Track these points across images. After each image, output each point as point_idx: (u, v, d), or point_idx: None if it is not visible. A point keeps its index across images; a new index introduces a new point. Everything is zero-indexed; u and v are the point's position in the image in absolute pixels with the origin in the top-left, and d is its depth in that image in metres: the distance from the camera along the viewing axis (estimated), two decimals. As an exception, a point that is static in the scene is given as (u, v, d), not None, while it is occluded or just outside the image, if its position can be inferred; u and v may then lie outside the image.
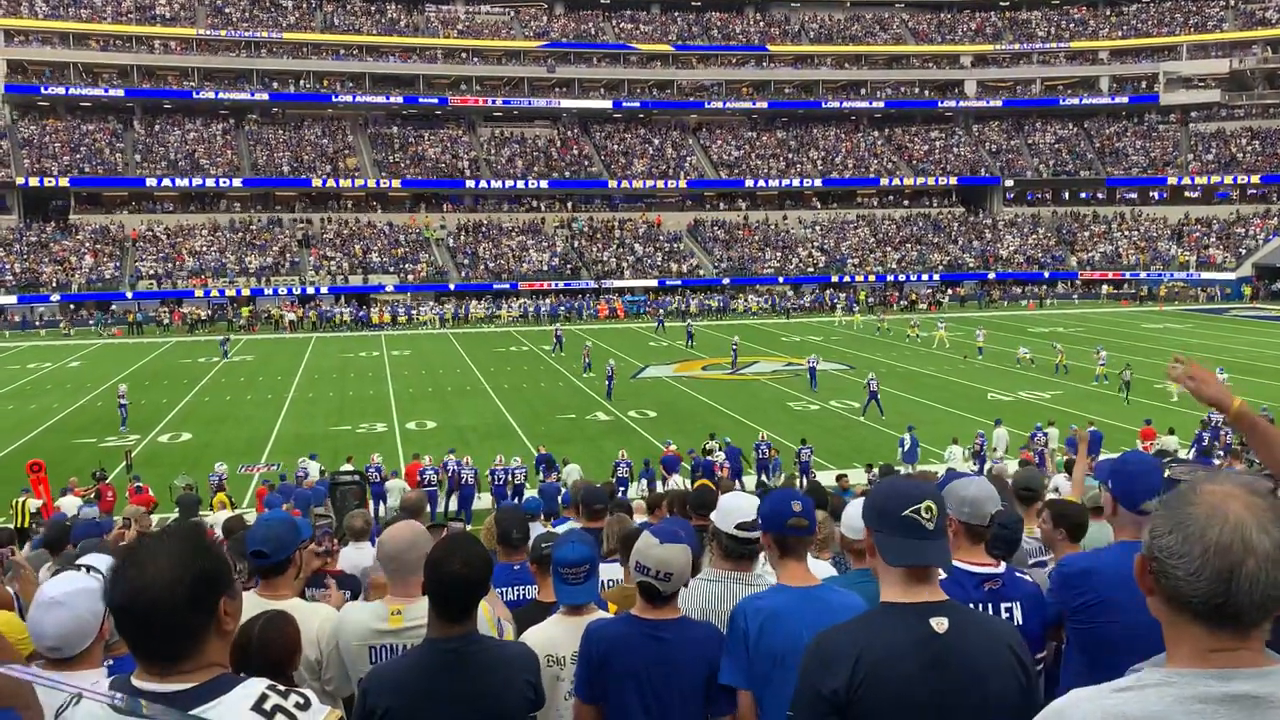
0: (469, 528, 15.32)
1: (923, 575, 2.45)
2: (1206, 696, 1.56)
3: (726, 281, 64.04)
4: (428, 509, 11.09)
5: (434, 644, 3.05)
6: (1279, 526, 1.59)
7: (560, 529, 7.17)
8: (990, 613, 3.39)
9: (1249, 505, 1.60)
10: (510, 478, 21.31)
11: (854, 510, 3.69)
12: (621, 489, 22.10)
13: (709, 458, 22.35)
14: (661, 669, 3.28)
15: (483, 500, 21.22)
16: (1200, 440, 22.94)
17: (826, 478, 19.90)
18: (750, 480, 21.76)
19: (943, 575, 2.58)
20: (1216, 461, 16.57)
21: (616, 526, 5.81)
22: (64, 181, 62.44)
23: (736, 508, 3.64)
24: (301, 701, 1.99)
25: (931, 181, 75.32)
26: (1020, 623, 3.46)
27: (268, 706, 1.95)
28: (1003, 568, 3.65)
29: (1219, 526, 1.58)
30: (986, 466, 20.25)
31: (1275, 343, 44.43)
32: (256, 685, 1.99)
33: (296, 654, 3.32)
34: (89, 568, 3.02)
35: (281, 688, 2.00)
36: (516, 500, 19.71)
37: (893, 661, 2.33)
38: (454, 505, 21.42)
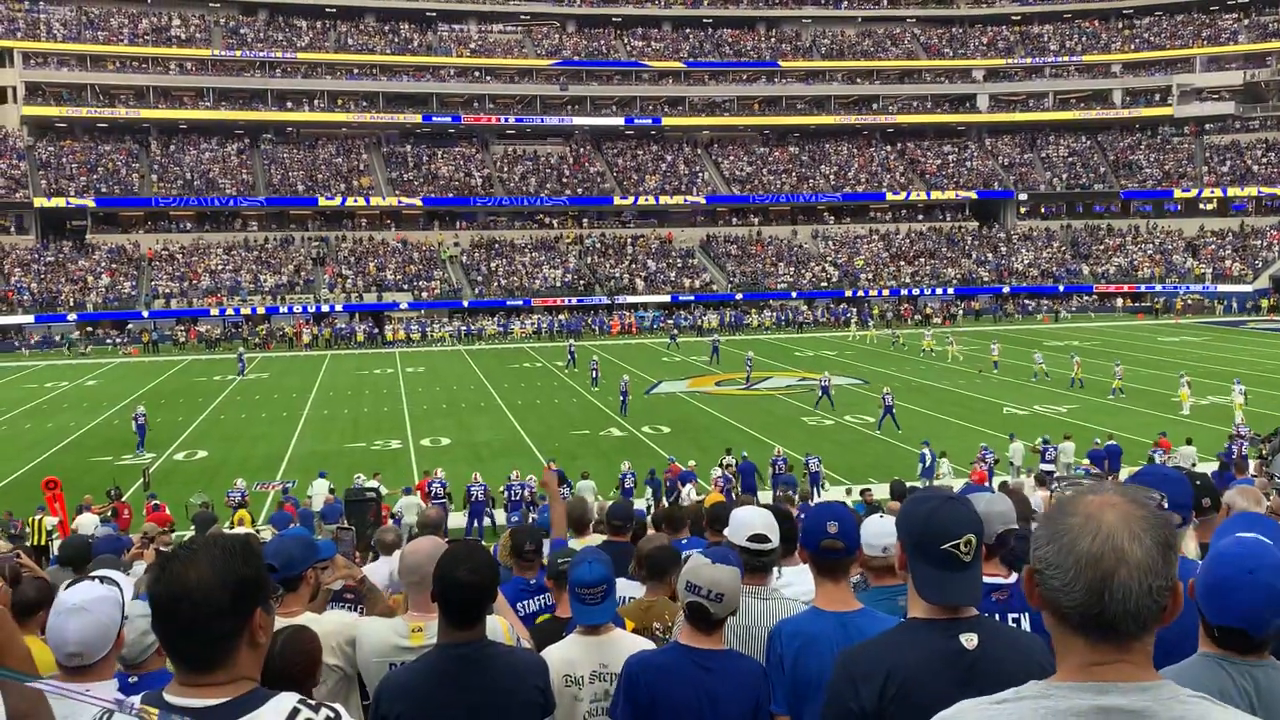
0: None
1: None
2: (1079, 710, 1.54)
3: (740, 297, 64.03)
4: (446, 525, 11.07)
5: (443, 649, 3.09)
6: (1153, 534, 1.57)
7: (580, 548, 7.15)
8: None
9: (1125, 514, 1.58)
10: (525, 493, 21.33)
11: (873, 527, 3.65)
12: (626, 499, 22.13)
13: (726, 472, 22.35)
14: (710, 701, 3.19)
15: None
16: (1229, 452, 22.76)
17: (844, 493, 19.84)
18: (766, 496, 21.70)
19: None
20: (1243, 475, 16.43)
21: (645, 546, 5.73)
22: (81, 202, 62.99)
23: (748, 521, 3.63)
24: (332, 715, 2.00)
25: (945, 196, 75.24)
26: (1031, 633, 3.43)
27: None
28: (1013, 579, 3.61)
29: (1091, 536, 1.56)
30: (1000, 480, 20.18)
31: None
32: (288, 700, 2.00)
33: (318, 667, 3.34)
34: (103, 578, 3.03)
35: (312, 702, 2.02)
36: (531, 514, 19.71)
37: (922, 678, 2.32)
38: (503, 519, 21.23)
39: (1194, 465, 20.22)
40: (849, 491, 20.05)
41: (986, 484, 19.52)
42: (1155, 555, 1.55)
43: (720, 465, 23.02)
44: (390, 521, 19.31)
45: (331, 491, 20.94)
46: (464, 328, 57.85)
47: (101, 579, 2.98)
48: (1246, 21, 76.51)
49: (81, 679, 2.73)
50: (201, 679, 1.97)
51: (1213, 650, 2.30)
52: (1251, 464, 22.59)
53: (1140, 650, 1.59)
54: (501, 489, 21.60)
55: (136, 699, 2.03)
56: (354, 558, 6.05)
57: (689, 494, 19.54)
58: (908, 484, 18.65)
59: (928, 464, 23.26)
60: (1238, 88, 75.16)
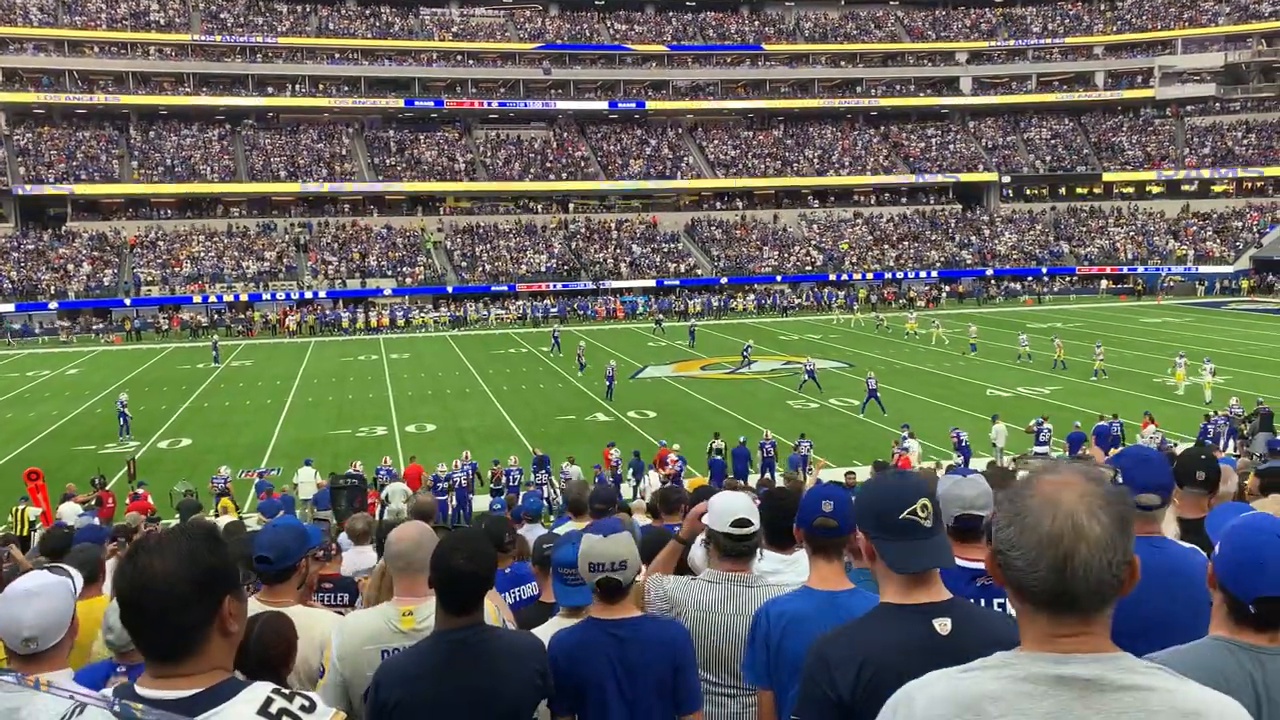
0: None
1: (924, 574, 2.45)
2: (1038, 677, 1.59)
3: (724, 281, 64.03)
4: (436, 513, 11.07)
5: (441, 635, 3.11)
6: (1110, 513, 1.61)
7: (561, 529, 7.17)
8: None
9: (1082, 493, 1.63)
10: (519, 478, 21.35)
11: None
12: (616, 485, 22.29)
13: (718, 457, 22.48)
14: (625, 668, 3.30)
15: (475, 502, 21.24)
16: (1205, 431, 22.96)
17: (832, 476, 19.89)
18: (753, 479, 21.77)
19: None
20: (1219, 454, 16.58)
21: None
22: (61, 189, 62.41)
23: (729, 507, 3.64)
24: (307, 704, 1.98)
25: (928, 179, 75.35)
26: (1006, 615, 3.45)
27: (273, 710, 1.93)
28: None
29: (1051, 517, 1.61)
30: (988, 461, 20.29)
31: (1274, 336, 44.47)
32: (261, 689, 1.98)
33: (293, 654, 3.34)
34: (55, 567, 3.02)
35: (286, 690, 2.00)
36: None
37: (896, 665, 2.30)
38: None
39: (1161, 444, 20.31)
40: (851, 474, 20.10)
41: (911, 470, 19.46)
42: (1114, 531, 1.61)
43: (711, 450, 23.13)
44: (378, 508, 19.32)
45: (332, 477, 20.84)
46: (450, 314, 57.69)
47: (51, 568, 2.97)
48: (1227, 4, 76.72)
49: (35, 667, 2.70)
50: (172, 670, 1.96)
51: (1225, 634, 2.28)
52: (1232, 443, 22.84)
53: (1100, 623, 1.64)
54: (493, 471, 21.70)
55: (108, 691, 2.02)
56: (331, 548, 6.05)
57: (655, 480, 19.69)
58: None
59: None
60: (1218, 69, 75.45)
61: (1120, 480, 3.16)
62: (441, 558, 3.09)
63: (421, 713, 3.03)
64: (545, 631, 3.74)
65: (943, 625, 2.37)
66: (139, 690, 1.96)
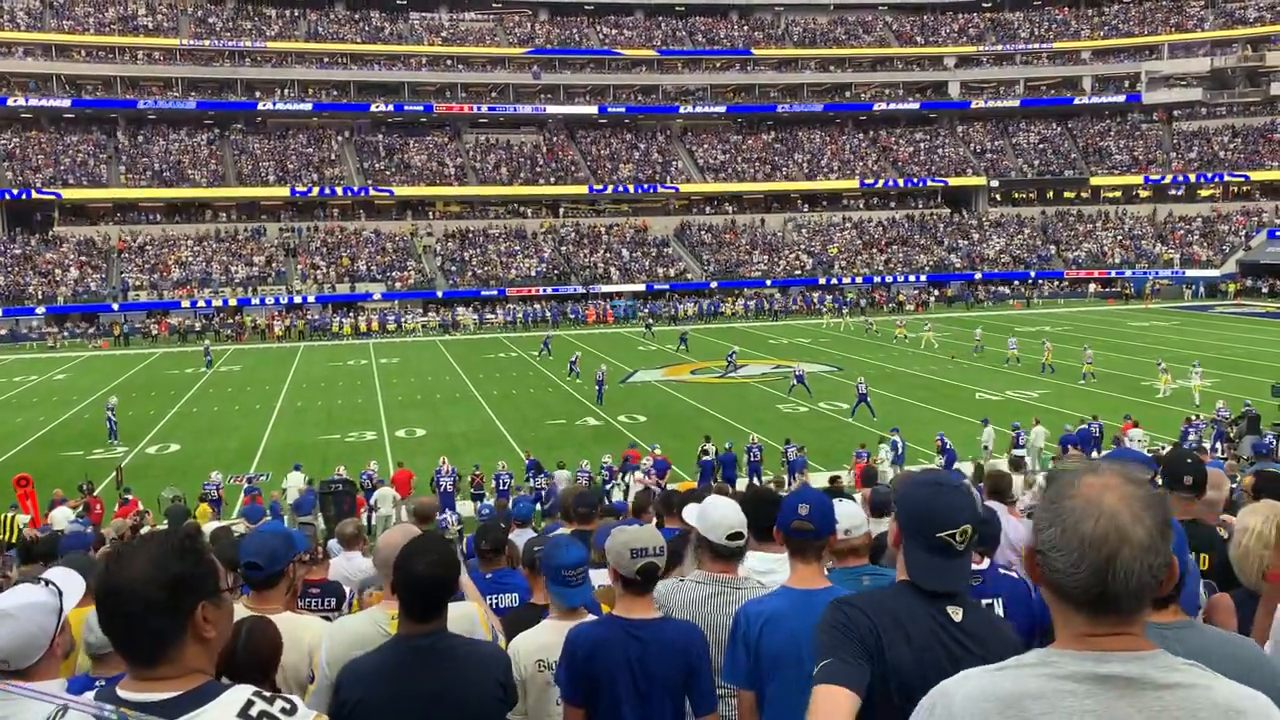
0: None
1: None
2: (1079, 676, 1.61)
3: (714, 285, 64.10)
4: (438, 516, 11.07)
5: (404, 640, 3.07)
6: (1152, 515, 1.63)
7: (553, 534, 7.17)
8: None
9: (1124, 496, 1.64)
10: (509, 482, 21.33)
11: (839, 509, 3.72)
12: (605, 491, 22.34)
13: (706, 458, 22.55)
14: (642, 669, 3.33)
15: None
16: (1185, 436, 23.10)
17: (819, 479, 19.95)
18: (742, 484, 21.81)
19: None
20: (1205, 457, 16.66)
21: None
22: (48, 193, 62.14)
23: (724, 520, 3.67)
24: (287, 707, 1.99)
25: (917, 183, 75.56)
26: (1002, 618, 3.51)
27: (254, 713, 1.94)
28: (986, 564, 3.68)
29: (1094, 519, 1.62)
30: (976, 463, 20.34)
31: (1259, 339, 44.74)
32: (242, 692, 1.99)
33: (278, 657, 3.36)
34: (48, 581, 2.99)
35: (267, 694, 2.00)
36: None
37: (910, 638, 2.37)
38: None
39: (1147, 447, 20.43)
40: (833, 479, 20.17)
41: (965, 483, 19.54)
42: (1155, 535, 1.62)
43: (700, 453, 23.21)
44: (364, 512, 19.31)
45: (309, 483, 20.81)
46: (440, 318, 57.61)
47: (47, 582, 2.95)
48: (1213, 10, 77.18)
49: (20, 678, 2.70)
50: (149, 673, 1.98)
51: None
52: (1219, 446, 22.97)
53: (1137, 623, 1.66)
54: (473, 477, 21.70)
55: (89, 695, 2.03)
56: (317, 553, 6.07)
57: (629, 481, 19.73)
58: (877, 469, 18.78)
59: (899, 451, 23.47)
60: (1205, 74, 75.85)
61: (1159, 482, 3.19)
62: (403, 561, 3.05)
63: (383, 715, 3.01)
64: (535, 635, 3.76)
65: (955, 612, 2.42)
66: (120, 693, 1.98)
